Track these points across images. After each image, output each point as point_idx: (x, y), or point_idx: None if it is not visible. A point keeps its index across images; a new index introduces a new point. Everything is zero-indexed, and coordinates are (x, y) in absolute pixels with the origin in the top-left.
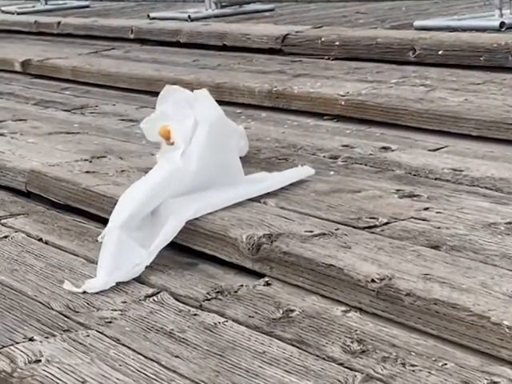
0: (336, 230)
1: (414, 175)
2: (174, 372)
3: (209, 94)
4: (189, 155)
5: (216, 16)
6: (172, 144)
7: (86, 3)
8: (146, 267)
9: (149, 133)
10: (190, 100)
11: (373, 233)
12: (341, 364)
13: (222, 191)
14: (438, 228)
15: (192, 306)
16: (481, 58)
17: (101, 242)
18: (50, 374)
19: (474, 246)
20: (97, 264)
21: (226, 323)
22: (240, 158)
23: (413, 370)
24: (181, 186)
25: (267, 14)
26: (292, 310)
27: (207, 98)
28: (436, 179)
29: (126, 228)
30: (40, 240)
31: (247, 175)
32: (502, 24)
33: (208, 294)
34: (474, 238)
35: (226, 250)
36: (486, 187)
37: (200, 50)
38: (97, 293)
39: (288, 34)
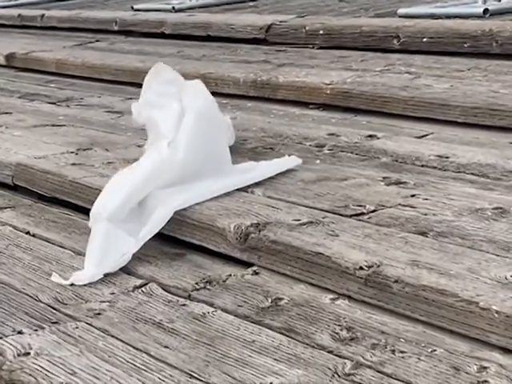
0: (323, 218)
1: (401, 162)
2: (164, 362)
3: (201, 85)
4: (176, 145)
5: (200, 6)
6: None
7: None
8: (134, 257)
9: (135, 119)
10: (176, 83)
11: (360, 220)
12: (330, 352)
13: (210, 182)
14: (425, 215)
15: (180, 297)
16: (465, 45)
17: (88, 234)
18: (39, 366)
19: (462, 231)
20: (84, 256)
21: (214, 313)
22: None
23: (402, 357)
24: (169, 176)
25: (251, 3)
26: (280, 299)
27: (198, 88)
28: (422, 166)
29: (114, 219)
30: (27, 233)
31: (235, 164)
32: (486, 11)
33: (196, 284)
34: (461, 223)
35: (214, 239)
36: (472, 173)
37: (184, 40)
38: (85, 284)
39: (272, 24)
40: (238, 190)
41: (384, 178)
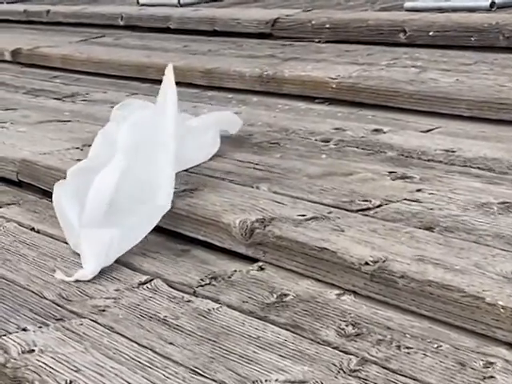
0: (329, 213)
1: (407, 157)
2: (168, 359)
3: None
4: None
5: (206, 1)
6: None
7: None
8: (139, 253)
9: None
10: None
11: (366, 215)
12: (335, 347)
13: None
14: (431, 209)
15: (185, 293)
16: (472, 39)
17: None
18: (43, 363)
19: (467, 226)
20: None
21: (219, 309)
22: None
23: (408, 353)
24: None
25: None
26: (286, 295)
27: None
28: (428, 160)
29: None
30: (32, 229)
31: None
32: (493, 4)
33: (201, 280)
34: (467, 218)
35: (219, 235)
36: (478, 167)
37: (190, 35)
38: (89, 281)
39: (278, 18)
40: (242, 185)
41: (390, 172)
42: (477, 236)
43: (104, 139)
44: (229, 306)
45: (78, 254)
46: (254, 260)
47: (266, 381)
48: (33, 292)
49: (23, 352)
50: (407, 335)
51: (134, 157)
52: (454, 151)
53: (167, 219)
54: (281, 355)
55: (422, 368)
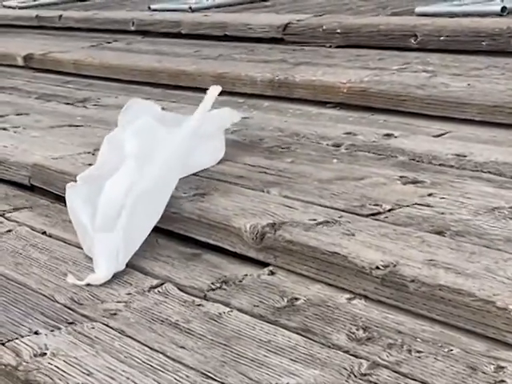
0: (340, 217)
1: (418, 161)
2: (180, 363)
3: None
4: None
5: (217, 6)
6: None
7: None
8: (150, 257)
9: None
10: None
11: (377, 220)
12: (346, 352)
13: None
14: (442, 214)
15: (196, 297)
16: (483, 43)
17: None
18: (55, 366)
19: (478, 230)
20: None
21: (230, 313)
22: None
23: (419, 357)
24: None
25: (268, 3)
26: (297, 299)
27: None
28: (439, 165)
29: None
30: (44, 233)
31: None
32: (504, 9)
33: (212, 284)
34: (478, 222)
35: (230, 239)
36: (489, 172)
37: (201, 40)
38: (101, 285)
39: (289, 23)
40: (253, 189)
41: (401, 177)
42: (488, 240)
43: (110, 145)
44: (240, 310)
45: (90, 258)
46: (264, 264)
47: None
48: (45, 296)
49: (35, 355)
50: (418, 339)
51: (143, 161)
52: (465, 156)
53: (178, 223)
54: (292, 359)
55: (432, 372)
